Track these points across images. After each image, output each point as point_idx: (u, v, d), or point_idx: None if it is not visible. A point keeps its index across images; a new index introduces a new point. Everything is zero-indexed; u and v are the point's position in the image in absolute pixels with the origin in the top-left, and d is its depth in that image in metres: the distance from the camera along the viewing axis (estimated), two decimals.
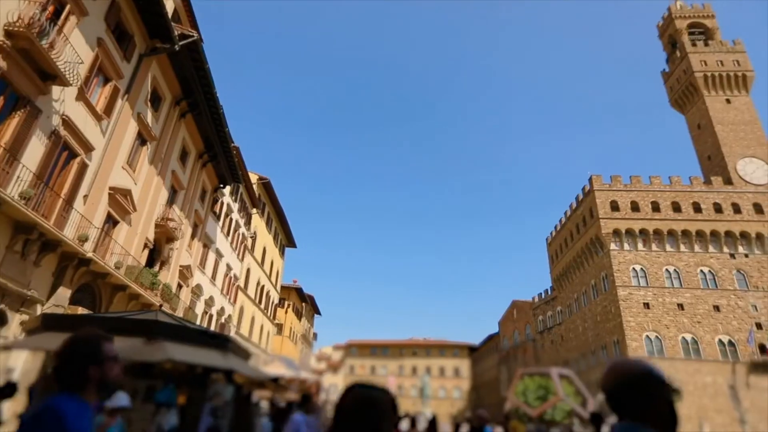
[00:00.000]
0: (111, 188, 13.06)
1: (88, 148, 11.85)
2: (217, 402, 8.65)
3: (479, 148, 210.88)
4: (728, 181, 37.61)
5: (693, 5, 48.27)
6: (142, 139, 14.81)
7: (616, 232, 35.95)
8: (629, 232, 35.92)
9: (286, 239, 40.67)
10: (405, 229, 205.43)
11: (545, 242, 51.11)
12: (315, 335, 66.85)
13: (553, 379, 22.71)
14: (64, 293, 11.27)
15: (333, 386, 70.24)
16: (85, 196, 11.98)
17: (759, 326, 31.81)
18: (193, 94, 16.79)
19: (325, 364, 76.74)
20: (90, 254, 11.41)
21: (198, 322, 19.84)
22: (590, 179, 38.87)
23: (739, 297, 33.12)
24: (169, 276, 17.24)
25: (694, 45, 44.95)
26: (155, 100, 15.60)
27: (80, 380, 1.57)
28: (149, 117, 14.96)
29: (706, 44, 44.83)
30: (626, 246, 35.74)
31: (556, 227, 48.02)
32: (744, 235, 34.83)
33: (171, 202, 17.38)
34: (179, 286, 18.80)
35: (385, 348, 77.24)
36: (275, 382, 12.20)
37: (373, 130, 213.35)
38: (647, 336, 32.46)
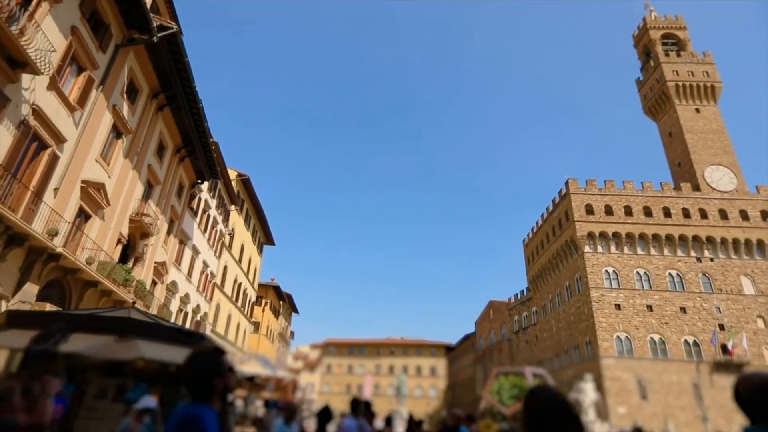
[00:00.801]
0: (83, 181, 12.68)
1: (60, 139, 11.49)
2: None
3: (460, 149, 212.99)
4: (696, 187, 39.08)
5: (666, 16, 49.94)
6: (117, 131, 14.43)
7: (591, 235, 36.89)
8: (603, 235, 36.92)
9: (264, 236, 40.24)
10: (384, 229, 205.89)
11: (522, 244, 52.05)
12: (292, 334, 66.31)
13: (527, 378, 23.22)
14: (31, 289, 10.90)
15: (309, 385, 69.95)
16: (56, 189, 11.61)
17: (722, 327, 33.18)
18: (172, 87, 16.44)
19: (302, 363, 76.27)
20: (60, 249, 11.07)
21: (172, 320, 19.46)
22: (567, 183, 39.78)
23: (704, 299, 34.46)
24: (143, 272, 16.85)
25: (667, 55, 46.51)
26: (132, 93, 15.22)
27: (208, 391, 1.85)
28: (125, 109, 14.59)
29: (679, 55, 46.46)
30: (600, 249, 36.73)
31: (533, 229, 48.94)
32: (710, 240, 36.25)
33: (147, 197, 16.98)
34: (154, 283, 18.40)
35: (363, 347, 77.28)
36: (251, 381, 12.08)
37: (354, 129, 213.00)
38: (618, 336, 33.44)
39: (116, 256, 14.96)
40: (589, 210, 37.84)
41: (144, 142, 16.17)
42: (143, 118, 15.99)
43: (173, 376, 9.01)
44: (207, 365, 1.90)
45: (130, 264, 15.98)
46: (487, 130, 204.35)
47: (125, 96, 14.60)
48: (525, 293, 50.00)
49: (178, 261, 21.13)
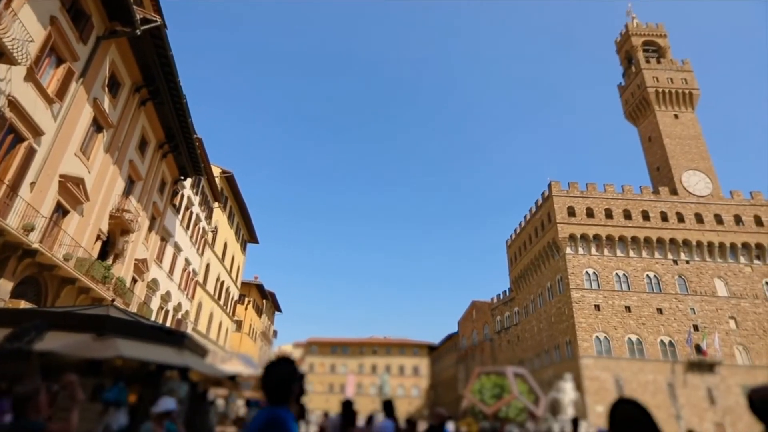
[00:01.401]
0: (62, 176, 12.39)
1: (37, 132, 11.19)
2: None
3: (446, 150, 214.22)
4: (674, 191, 40.11)
5: (648, 24, 51.09)
6: (97, 125, 14.12)
7: (572, 237, 37.53)
8: (584, 237, 37.60)
9: (248, 234, 39.85)
10: (369, 228, 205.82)
11: (505, 245, 52.63)
12: (275, 333, 65.86)
13: (509, 377, 23.47)
14: (4, 286, 10.61)
15: None
16: (33, 184, 11.32)
17: (696, 328, 34.14)
18: (155, 81, 16.15)
19: None
20: (36, 245, 10.80)
21: (153, 318, 19.14)
22: (549, 185, 40.37)
23: (679, 300, 35.41)
24: (123, 270, 16.54)
25: (647, 62, 47.60)
26: (113, 86, 14.91)
27: (286, 395, 2.05)
28: (106, 103, 14.29)
29: (659, 62, 47.60)
30: (581, 250, 37.40)
31: (516, 230, 49.53)
32: (686, 243, 37.25)
33: (128, 192, 16.67)
34: (134, 281, 18.08)
35: (346, 346, 77.16)
36: (233, 380, 11.97)
37: (339, 129, 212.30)
38: (597, 336, 34.12)
39: (95, 253, 14.66)
40: (571, 212, 38.48)
41: (125, 136, 15.86)
42: (125, 112, 15.68)
43: (153, 374, 8.88)
44: (285, 372, 2.11)
45: (109, 261, 15.66)
46: (472, 131, 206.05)
47: (107, 89, 14.30)
48: (507, 293, 50.59)
49: (160, 258, 20.79)
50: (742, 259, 36.98)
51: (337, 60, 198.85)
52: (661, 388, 32.02)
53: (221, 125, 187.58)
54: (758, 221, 37.95)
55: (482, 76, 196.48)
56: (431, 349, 74.83)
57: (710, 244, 37.07)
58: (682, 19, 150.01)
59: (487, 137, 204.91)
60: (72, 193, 12.91)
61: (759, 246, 37.03)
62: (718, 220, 38.09)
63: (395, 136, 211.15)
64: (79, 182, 13.11)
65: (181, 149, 19.80)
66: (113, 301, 14.07)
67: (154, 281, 20.26)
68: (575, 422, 10.10)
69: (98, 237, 14.91)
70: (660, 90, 45.56)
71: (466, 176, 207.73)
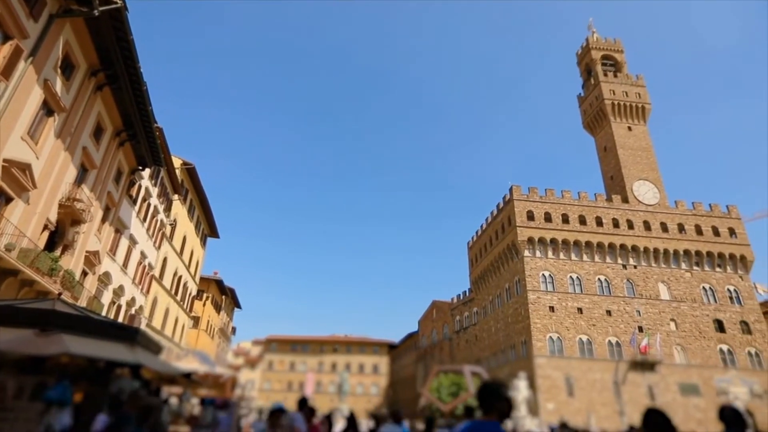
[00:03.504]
0: (5, 160, 11.63)
1: None
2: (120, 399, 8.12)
3: (411, 151, 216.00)
4: (625, 199, 42.34)
5: (606, 39, 53.60)
6: (48, 109, 13.34)
7: (531, 240, 38.88)
8: (541, 241, 39.03)
9: (208, 228, 38.75)
10: (331, 225, 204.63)
11: (467, 246, 53.79)
12: (234, 329, 64.38)
13: (466, 376, 24.08)
14: None
15: (250, 382, 68.15)
16: None
17: (641, 329, 36.23)
18: (113, 66, 15.42)
19: (242, 360, 74.23)
20: None
21: (104, 313, 18.32)
22: (511, 189, 41.62)
23: (627, 303, 37.45)
24: (72, 262, 15.71)
25: (605, 75, 49.96)
26: (67, 68, 14.11)
27: (490, 410, 2.56)
28: (58, 85, 13.52)
29: (616, 75, 50.07)
30: (538, 253, 38.81)
31: (477, 232, 50.73)
32: (634, 249, 39.43)
33: (80, 181, 15.83)
34: (84, 274, 17.21)
35: (306, 344, 76.54)
36: (187, 378, 11.65)
37: (304, 126, 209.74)
38: (550, 337, 35.53)
39: (42, 244, 13.86)
40: (530, 216, 39.84)
41: (79, 122, 15.06)
42: (79, 96, 14.88)
43: (102, 372, 8.54)
44: (491, 391, 2.61)
45: (57, 252, 14.84)
46: (437, 134, 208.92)
47: (59, 71, 13.53)
48: (467, 294, 51.75)
49: (113, 251, 19.89)
50: (683, 265, 39.56)
51: (308, 56, 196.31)
52: (608, 386, 33.77)
53: (187, 117, 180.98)
54: (698, 230, 40.70)
55: (448, 81, 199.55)
56: (391, 348, 75.45)
57: (656, 251, 39.41)
58: (637, 35, 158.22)
59: (452, 141, 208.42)
60: (17, 179, 12.15)
61: (698, 253, 39.72)
62: (664, 228, 40.55)
63: (363, 135, 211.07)
64: (25, 168, 12.36)
65: (140, 138, 18.99)
66: (60, 294, 13.37)
67: (107, 275, 19.37)
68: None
69: (46, 227, 14.11)
70: (616, 102, 47.95)
71: (430, 178, 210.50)
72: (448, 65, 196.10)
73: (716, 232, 40.73)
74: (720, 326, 37.30)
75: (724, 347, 36.38)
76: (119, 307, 21.47)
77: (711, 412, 31.91)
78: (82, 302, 15.77)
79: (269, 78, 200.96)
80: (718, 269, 39.64)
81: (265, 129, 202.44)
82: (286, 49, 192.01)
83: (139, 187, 22.09)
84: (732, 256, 39.88)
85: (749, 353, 36.27)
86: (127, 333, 8.72)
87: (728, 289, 38.92)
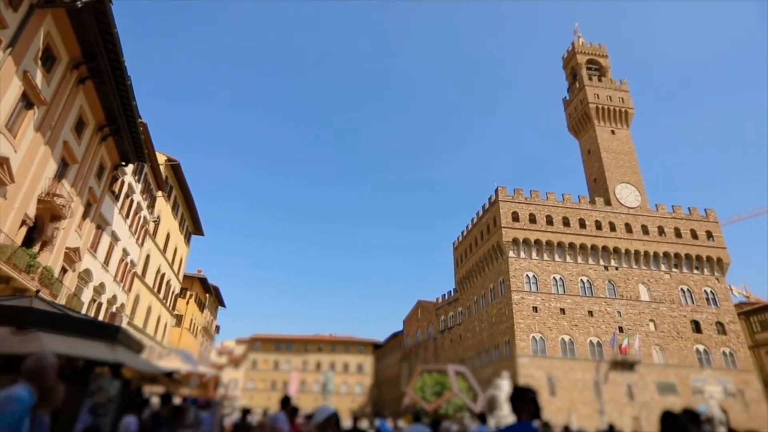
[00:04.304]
0: None
1: None
2: (99, 398, 7.98)
3: (398, 152, 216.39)
4: (608, 202, 43.11)
5: (591, 44, 54.46)
6: (27, 101, 13.04)
7: (515, 241, 39.31)
8: (526, 242, 39.50)
9: (193, 226, 38.26)
10: (317, 224, 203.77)
11: (452, 246, 54.13)
12: (218, 328, 63.72)
13: (450, 375, 24.23)
14: None
15: (233, 381, 67.52)
16: None
17: (621, 329, 36.94)
18: (96, 59, 15.13)
19: (226, 359, 73.45)
20: None
21: (84, 311, 17.98)
22: (496, 190, 42.02)
23: (608, 304, 38.15)
24: (51, 258, 15.38)
25: (590, 79, 50.78)
26: (48, 60, 13.80)
27: (518, 412, 2.87)
28: (39, 77, 13.22)
29: (600, 80, 50.92)
30: (522, 254, 39.27)
31: (463, 233, 51.08)
32: (616, 251, 40.17)
33: (60, 176, 15.49)
34: (63, 271, 16.85)
35: (291, 343, 76.12)
36: (169, 377, 11.51)
37: (296, 123, 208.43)
38: (533, 337, 36.00)
39: (19, 240, 13.54)
40: (515, 217, 40.28)
41: (60, 115, 14.75)
42: (61, 89, 14.56)
43: (80, 371, 8.39)
44: (520, 395, 2.89)
45: (35, 249, 14.51)
46: (425, 135, 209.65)
47: (40, 63, 13.23)
48: (452, 294, 52.08)
49: (94, 247, 19.52)
50: (662, 267, 40.45)
51: (298, 55, 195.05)
52: (588, 385, 34.36)
53: (174, 114, 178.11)
54: (677, 233, 41.66)
55: (437, 82, 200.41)
56: (376, 347, 75.51)
57: (637, 253, 40.22)
58: (618, 42, 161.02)
59: (439, 142, 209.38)
60: None
61: (677, 256, 40.67)
62: (645, 230, 41.40)
63: (351, 135, 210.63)
64: (2, 162, 12.07)
65: (123, 133, 18.66)
66: (38, 291, 13.08)
67: (87, 272, 19.00)
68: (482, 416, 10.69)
69: (24, 222, 13.78)
70: (600, 107, 48.75)
71: (418, 179, 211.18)
72: (436, 66, 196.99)
73: (694, 235, 41.75)
74: (697, 327, 38.26)
75: (701, 347, 37.33)
76: (100, 305, 21.08)
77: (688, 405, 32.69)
78: (61, 300, 15.46)
79: (257, 76, 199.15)
80: (695, 271, 40.64)
81: (251, 128, 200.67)
82: (276, 48, 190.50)
83: (122, 183, 21.71)
84: (709, 259, 40.92)
85: (724, 353, 37.28)
86: (108, 331, 8.59)
87: (705, 291, 39.94)
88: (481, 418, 10.40)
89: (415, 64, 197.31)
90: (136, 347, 9.65)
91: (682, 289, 39.81)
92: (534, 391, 2.94)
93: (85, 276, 19.00)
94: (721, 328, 38.45)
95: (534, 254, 39.40)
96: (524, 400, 2.86)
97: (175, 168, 29.53)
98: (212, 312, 57.04)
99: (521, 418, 2.86)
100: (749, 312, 42.20)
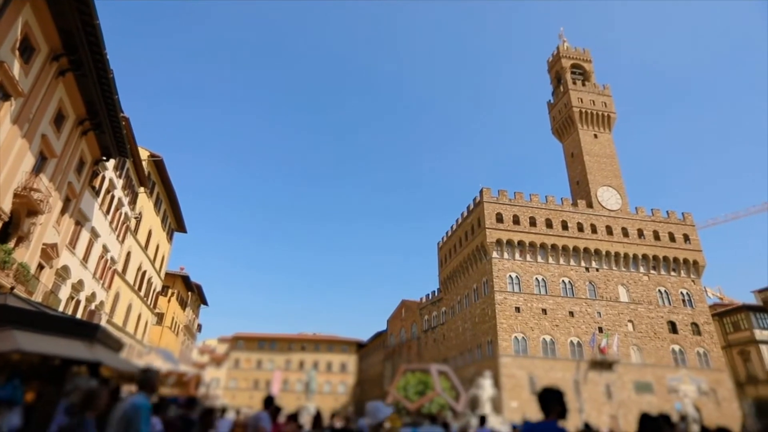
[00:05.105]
0: None
1: None
2: (75, 398, 7.84)
3: (384, 152, 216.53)
4: (590, 204, 43.88)
5: (576, 48, 55.35)
6: (4, 92, 12.67)
7: (499, 242, 39.74)
8: (509, 243, 39.95)
9: (175, 223, 37.68)
10: (302, 223, 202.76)
11: (437, 246, 54.43)
12: (200, 326, 62.89)
13: (433, 374, 24.36)
14: None
15: (215, 380, 66.76)
16: None
17: (600, 330, 37.67)
18: (77, 51, 14.78)
19: (208, 358, 72.58)
20: None
21: (61, 309, 17.58)
22: (481, 191, 42.40)
23: (588, 304, 38.86)
24: (27, 255, 14.98)
25: (574, 83, 51.60)
26: (26, 51, 13.44)
27: (549, 409, 3.03)
28: (16, 68, 12.87)
29: (584, 84, 51.79)
30: (506, 255, 39.71)
31: (447, 233, 51.40)
32: (597, 252, 40.93)
33: (38, 170, 15.10)
34: (40, 267, 16.44)
35: (274, 342, 75.60)
36: None
37: (282, 120, 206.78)
38: (515, 336, 36.46)
39: None
40: (499, 218, 40.71)
41: (39, 108, 14.37)
42: (39, 80, 14.19)
43: (57, 370, 8.23)
44: (550, 396, 3.05)
45: (10, 244, 14.13)
46: (411, 134, 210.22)
47: (17, 53, 12.88)
48: (436, 294, 52.37)
49: (73, 244, 19.08)
50: (641, 269, 41.37)
51: (287, 52, 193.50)
52: (568, 384, 34.94)
53: (158, 111, 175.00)
54: (656, 236, 42.66)
55: (423, 82, 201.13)
56: (360, 347, 75.48)
57: (617, 254, 41.05)
58: (604, 47, 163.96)
59: (425, 142, 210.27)
60: None
61: (655, 258, 41.64)
62: (624, 233, 42.28)
63: (336, 133, 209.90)
64: None
65: (105, 127, 18.26)
66: (13, 289, 12.79)
67: (65, 269, 18.58)
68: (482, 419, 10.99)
69: None
70: (583, 110, 49.59)
71: (403, 179, 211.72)
72: (422, 67, 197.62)
73: (672, 238, 42.79)
74: (673, 327, 39.25)
75: (676, 347, 38.31)
76: (78, 302, 20.63)
77: (662, 409, 33.55)
78: (38, 297, 15.08)
79: (239, 73, 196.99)
80: (672, 273, 41.67)
81: (238, 125, 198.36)
82: (261, 44, 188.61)
83: (103, 178, 21.27)
84: (686, 261, 42.00)
85: (698, 353, 38.34)
86: (86, 329, 8.46)
87: (681, 293, 40.98)
88: (482, 420, 10.81)
89: (402, 63, 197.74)
90: (115, 346, 9.51)
91: (659, 290, 40.77)
92: (562, 392, 3.09)
93: (63, 273, 18.57)
94: (696, 328, 39.51)
95: (517, 255, 39.88)
96: (554, 400, 3.02)
97: (158, 164, 29.05)
98: (194, 310, 56.30)
99: (549, 417, 3.01)
100: (722, 313, 43.47)
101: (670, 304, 40.27)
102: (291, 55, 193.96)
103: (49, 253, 16.61)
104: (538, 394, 3.17)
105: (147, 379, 4.19)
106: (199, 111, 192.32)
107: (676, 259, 41.87)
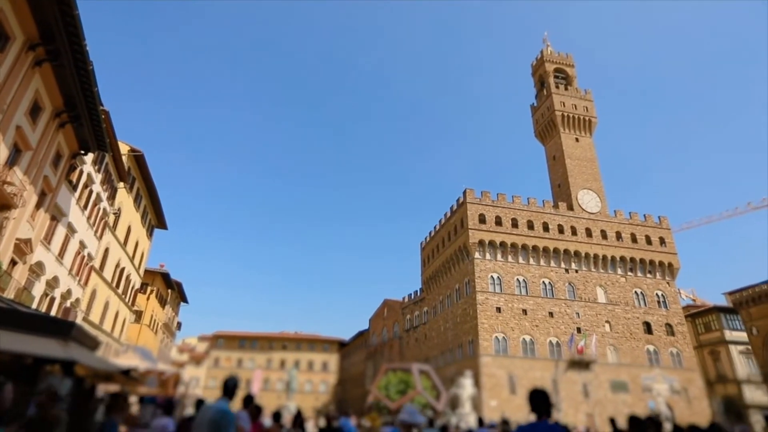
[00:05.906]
0: None
1: None
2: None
3: (369, 152, 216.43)
4: (570, 207, 44.70)
5: (559, 53, 56.29)
6: None
7: (481, 243, 40.17)
8: (491, 244, 40.42)
9: (156, 219, 36.99)
10: (284, 221, 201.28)
11: (419, 246, 54.70)
12: (179, 325, 61.93)
13: (414, 374, 24.52)
14: None
15: (194, 379, 65.80)
16: None
17: (579, 330, 38.44)
18: (55, 41, 14.39)
19: (187, 356, 71.49)
20: None
21: (35, 306, 17.11)
22: (464, 192, 42.77)
23: (567, 305, 39.60)
24: None
25: (557, 87, 52.49)
26: (1, 39, 13.05)
27: (541, 410, 3.23)
28: None
29: (566, 89, 52.73)
30: (488, 255, 40.17)
31: (430, 233, 51.70)
32: (576, 254, 41.73)
33: (12, 162, 14.67)
34: (13, 263, 15.97)
35: (255, 340, 74.90)
36: (126, 375, 11.15)
37: (266, 116, 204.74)
38: (496, 336, 36.92)
39: None
40: (482, 219, 41.15)
41: (13, 98, 13.95)
42: (14, 70, 13.75)
43: (29, 369, 8.03)
44: (543, 397, 3.24)
45: None
46: (395, 135, 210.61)
47: None
48: (419, 293, 52.63)
49: (48, 239, 18.58)
50: (619, 271, 42.36)
51: (275, 50, 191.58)
52: (547, 383, 35.54)
53: (137, 108, 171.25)
54: (633, 238, 43.72)
55: (407, 83, 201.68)
56: (341, 346, 75.35)
57: (596, 256, 41.94)
58: (587, 52, 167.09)
59: (408, 143, 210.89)
60: None
61: (632, 260, 42.68)
62: (603, 235, 43.20)
63: (320, 132, 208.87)
64: None
65: (83, 120, 17.81)
66: None
67: (39, 264, 18.08)
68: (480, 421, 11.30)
69: None
70: (565, 114, 50.49)
71: (387, 178, 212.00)
72: (406, 67, 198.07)
73: (649, 240, 43.91)
74: (648, 328, 40.30)
75: (651, 347, 39.35)
76: (53, 299, 20.11)
77: (636, 407, 34.46)
78: (10, 294, 14.67)
79: (224, 71, 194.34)
80: (648, 275, 42.76)
81: (220, 121, 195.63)
82: (250, 41, 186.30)
83: (81, 172, 20.76)
84: (661, 264, 43.15)
85: (671, 353, 39.46)
86: (60, 327, 8.27)
87: (657, 294, 42.10)
88: (479, 421, 11.13)
89: (384, 64, 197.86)
90: (91, 344, 9.33)
91: (636, 291, 41.80)
92: (548, 392, 3.32)
93: (37, 269, 18.08)
94: (669, 329, 40.65)
95: (499, 256, 40.37)
96: (545, 401, 3.23)
97: (138, 159, 28.48)
98: (174, 308, 55.41)
99: (542, 417, 3.20)
100: (695, 314, 44.85)
101: (645, 305, 41.33)
102: (273, 51, 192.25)
103: (22, 248, 16.15)
104: (530, 395, 3.33)
105: (232, 386, 4.65)
106: (171, 110, 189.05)
107: (652, 262, 42.97)
